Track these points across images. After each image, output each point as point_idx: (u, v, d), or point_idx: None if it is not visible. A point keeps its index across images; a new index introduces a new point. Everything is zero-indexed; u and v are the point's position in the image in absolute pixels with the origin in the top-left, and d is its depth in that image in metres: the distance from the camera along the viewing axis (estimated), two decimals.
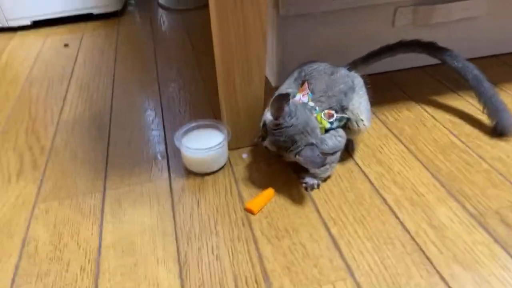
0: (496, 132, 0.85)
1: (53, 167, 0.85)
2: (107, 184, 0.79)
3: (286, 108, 0.68)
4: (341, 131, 0.74)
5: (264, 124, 0.73)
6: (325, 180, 0.76)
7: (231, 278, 0.60)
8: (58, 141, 0.93)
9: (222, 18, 0.69)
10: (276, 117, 0.68)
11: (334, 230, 0.67)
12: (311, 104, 0.73)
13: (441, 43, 1.10)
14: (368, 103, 0.77)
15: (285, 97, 0.67)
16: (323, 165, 0.69)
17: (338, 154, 0.75)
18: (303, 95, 0.74)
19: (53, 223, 0.72)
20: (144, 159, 0.86)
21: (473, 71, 0.89)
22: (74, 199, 0.77)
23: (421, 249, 0.63)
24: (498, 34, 1.12)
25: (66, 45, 1.43)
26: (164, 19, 1.64)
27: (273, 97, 0.68)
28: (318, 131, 0.70)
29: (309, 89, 0.74)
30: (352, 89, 0.76)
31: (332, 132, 0.73)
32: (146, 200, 0.75)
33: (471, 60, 1.14)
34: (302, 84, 0.77)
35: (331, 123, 0.72)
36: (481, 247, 0.62)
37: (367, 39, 1.04)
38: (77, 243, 0.68)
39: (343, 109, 0.74)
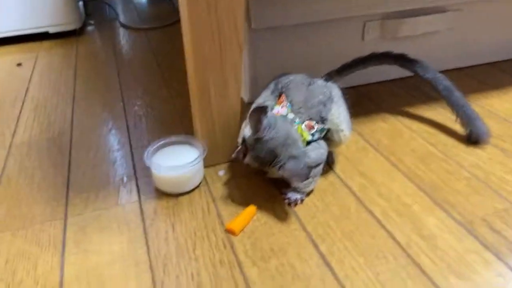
0: (470, 140, 0.86)
1: (5, 194, 0.76)
2: (69, 211, 0.71)
3: (265, 121, 0.64)
4: (322, 143, 0.71)
5: (244, 140, 0.68)
6: (308, 194, 0.73)
7: None
8: (10, 166, 0.84)
9: (196, 27, 0.65)
10: (255, 130, 0.64)
11: (323, 248, 0.62)
12: (291, 116, 0.70)
13: (410, 53, 1.13)
14: (347, 113, 0.75)
15: (263, 109, 0.64)
16: (307, 178, 0.65)
17: (321, 167, 0.72)
18: (281, 107, 0.71)
19: (5, 258, 0.62)
20: (111, 182, 0.78)
21: (444, 81, 0.90)
22: (30, 229, 0.68)
23: (414, 261, 0.60)
24: (459, 47, 1.16)
25: (19, 65, 1.33)
26: (127, 38, 1.58)
27: (251, 110, 0.64)
28: (300, 143, 0.67)
29: (287, 101, 0.71)
30: (330, 99, 0.73)
31: (314, 144, 0.70)
32: (114, 226, 0.68)
33: (442, 74, 1.17)
34: (280, 96, 0.74)
35: (312, 134, 0.69)
36: (474, 255, 0.60)
37: (338, 52, 1.04)
38: (34, 279, 0.59)
39: (322, 120, 0.71)
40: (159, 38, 1.55)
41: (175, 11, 1.83)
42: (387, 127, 0.93)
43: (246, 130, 0.68)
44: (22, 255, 0.63)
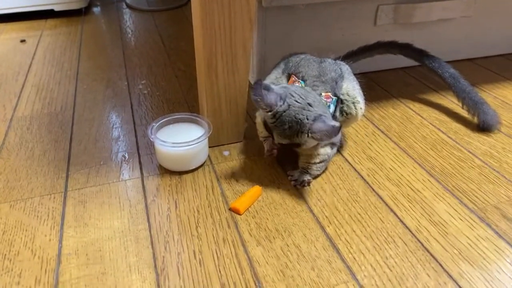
0: (481, 127, 0.83)
1: (5, 166, 0.74)
2: (69, 184, 0.69)
3: (272, 94, 0.61)
4: (337, 114, 0.70)
5: (265, 124, 0.65)
6: (315, 177, 0.70)
7: (218, 285, 0.52)
8: (11, 139, 0.82)
9: None
10: (265, 107, 0.61)
11: (329, 230, 0.60)
12: (308, 89, 0.67)
13: (421, 43, 1.10)
14: (360, 88, 0.74)
15: (259, 85, 0.59)
16: (339, 131, 0.59)
17: (335, 149, 0.70)
18: (296, 83, 0.68)
19: (1, 229, 0.61)
20: (113, 158, 0.76)
21: (449, 69, 0.89)
22: (29, 202, 0.66)
23: (424, 247, 0.58)
24: (474, 37, 1.12)
25: (23, 41, 1.30)
26: (133, 19, 1.56)
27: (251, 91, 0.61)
28: (322, 102, 0.64)
29: (299, 78, 0.69)
30: (341, 76, 0.72)
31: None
32: (115, 202, 0.66)
33: (448, 63, 1.15)
34: (289, 77, 0.71)
35: (329, 106, 0.66)
36: (486, 242, 0.58)
37: (349, 36, 1.01)
38: (32, 251, 0.57)
39: (336, 96, 0.69)
40: (165, 20, 1.52)
41: None
42: (398, 113, 0.90)
43: (259, 119, 0.66)
44: (20, 226, 0.61)
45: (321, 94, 0.66)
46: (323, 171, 0.71)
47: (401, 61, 1.10)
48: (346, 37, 1.01)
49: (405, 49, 0.93)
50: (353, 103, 0.70)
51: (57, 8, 1.49)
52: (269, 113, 0.61)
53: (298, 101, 0.61)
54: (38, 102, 0.95)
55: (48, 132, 0.84)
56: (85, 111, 0.92)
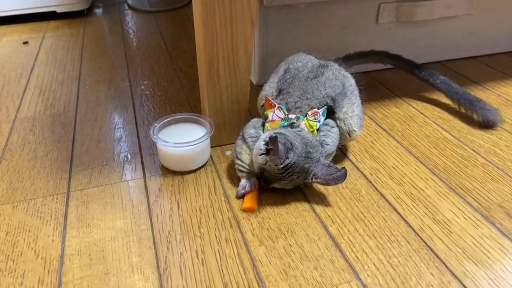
0: (485, 123, 0.83)
1: (8, 167, 0.74)
2: (72, 185, 0.69)
3: (281, 147, 0.58)
4: (331, 122, 0.68)
5: (262, 171, 0.63)
6: None
7: (220, 284, 0.52)
8: (14, 140, 0.82)
9: None
10: (281, 161, 0.59)
11: (332, 229, 0.60)
12: (292, 116, 0.65)
13: (423, 41, 1.10)
14: (361, 109, 0.72)
15: (275, 139, 0.57)
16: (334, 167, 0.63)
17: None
18: (275, 112, 0.66)
19: (5, 230, 0.61)
20: (115, 158, 0.76)
21: (440, 76, 0.90)
22: (32, 202, 0.66)
23: (428, 245, 0.57)
24: (477, 35, 1.12)
25: (25, 43, 1.31)
26: (135, 20, 1.56)
27: (264, 142, 0.60)
28: (316, 143, 0.63)
29: (285, 98, 0.68)
30: (342, 94, 0.69)
31: (323, 128, 0.66)
32: (118, 202, 0.66)
33: (451, 61, 1.15)
34: (279, 92, 0.70)
35: (319, 121, 0.66)
36: (490, 241, 0.58)
37: (351, 35, 1.01)
38: (35, 252, 0.57)
39: (333, 114, 0.69)
40: (167, 21, 1.53)
41: None
42: (400, 112, 0.90)
43: (259, 159, 0.61)
44: (23, 227, 0.61)
45: (306, 114, 0.65)
46: None
47: None
48: (348, 35, 1.01)
49: (396, 59, 0.95)
50: (349, 132, 0.69)
51: (59, 9, 1.50)
52: (280, 166, 0.59)
53: (301, 150, 0.60)
54: (41, 103, 0.96)
55: (51, 133, 0.84)
56: (88, 112, 0.92)
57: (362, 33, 1.01)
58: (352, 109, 0.70)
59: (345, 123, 0.69)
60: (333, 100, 0.68)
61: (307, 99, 0.67)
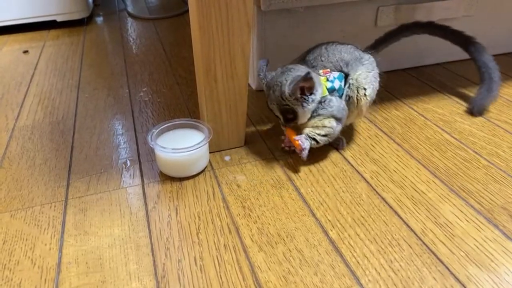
0: (473, 109, 0.86)
1: (6, 176, 0.74)
2: (70, 193, 0.69)
3: (261, 65, 0.73)
4: (343, 104, 0.71)
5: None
6: (314, 147, 0.72)
7: None
8: (12, 148, 0.82)
9: (203, 2, 0.62)
10: (262, 76, 0.72)
11: (332, 234, 0.59)
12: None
13: (424, 43, 1.09)
14: (377, 81, 0.74)
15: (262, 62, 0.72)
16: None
17: (340, 126, 0.71)
18: None
19: (2, 239, 0.60)
20: (113, 165, 0.76)
21: (476, 44, 0.90)
22: (30, 211, 0.66)
23: (430, 249, 0.56)
24: (477, 36, 1.11)
25: (25, 52, 1.32)
26: (134, 27, 1.56)
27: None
28: (302, 69, 0.70)
29: (301, 60, 0.76)
30: (358, 60, 0.73)
31: (336, 97, 0.71)
32: (116, 209, 0.65)
33: (451, 63, 1.14)
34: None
35: (332, 81, 0.70)
36: (494, 244, 0.57)
37: (350, 38, 1.01)
38: (32, 260, 0.57)
39: (345, 75, 0.72)
40: (167, 28, 1.53)
41: (184, 1, 1.81)
42: (401, 114, 0.89)
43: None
44: (20, 236, 0.61)
45: (319, 71, 0.70)
46: (322, 144, 0.72)
47: (402, 62, 1.09)
48: (347, 38, 1.00)
49: (429, 27, 0.93)
50: (357, 87, 0.71)
51: (59, 18, 1.51)
52: (264, 87, 0.71)
53: (282, 68, 0.70)
54: (40, 111, 0.96)
55: (50, 141, 0.84)
56: (87, 119, 0.92)
57: (361, 36, 1.01)
58: (366, 74, 0.72)
59: (357, 80, 0.71)
60: (347, 64, 0.72)
61: (321, 61, 0.72)
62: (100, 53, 1.31)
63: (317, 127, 0.70)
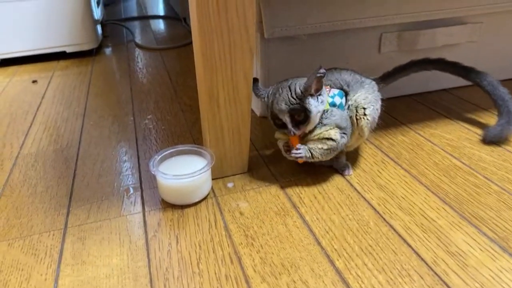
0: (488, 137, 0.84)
1: (6, 204, 0.73)
2: (70, 221, 0.68)
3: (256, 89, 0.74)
4: (346, 114, 0.72)
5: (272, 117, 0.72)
6: (314, 161, 0.71)
7: None
8: (15, 176, 0.81)
9: (204, 27, 0.63)
10: (260, 94, 0.73)
11: (339, 263, 0.57)
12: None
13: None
14: (378, 104, 0.73)
15: (255, 81, 0.72)
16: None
17: (344, 140, 0.70)
18: None
19: None
20: (115, 192, 0.75)
21: (488, 77, 0.89)
22: (28, 239, 0.64)
23: (442, 280, 0.53)
24: (481, 62, 1.11)
25: (34, 82, 1.34)
26: (141, 57, 1.59)
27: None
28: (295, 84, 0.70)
29: None
30: (359, 83, 0.73)
31: (339, 109, 0.71)
32: (115, 238, 0.64)
33: (457, 88, 1.13)
34: None
35: (332, 96, 0.71)
36: (510, 275, 0.54)
37: (354, 64, 1.01)
38: None
39: (346, 94, 0.73)
40: (173, 58, 1.56)
41: (191, 32, 1.85)
42: (407, 140, 0.88)
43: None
44: (16, 266, 0.59)
45: None
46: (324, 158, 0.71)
47: (407, 88, 1.09)
48: (351, 65, 1.00)
49: (439, 63, 0.92)
50: (356, 107, 0.71)
51: (69, 50, 1.54)
52: (265, 99, 0.71)
53: (274, 88, 0.71)
54: (45, 139, 0.96)
55: (52, 168, 0.84)
56: (90, 146, 0.91)
57: (365, 63, 1.01)
58: (366, 95, 0.72)
59: (356, 100, 0.71)
60: (348, 84, 0.73)
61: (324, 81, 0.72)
62: (107, 83, 1.33)
63: (320, 140, 0.69)
